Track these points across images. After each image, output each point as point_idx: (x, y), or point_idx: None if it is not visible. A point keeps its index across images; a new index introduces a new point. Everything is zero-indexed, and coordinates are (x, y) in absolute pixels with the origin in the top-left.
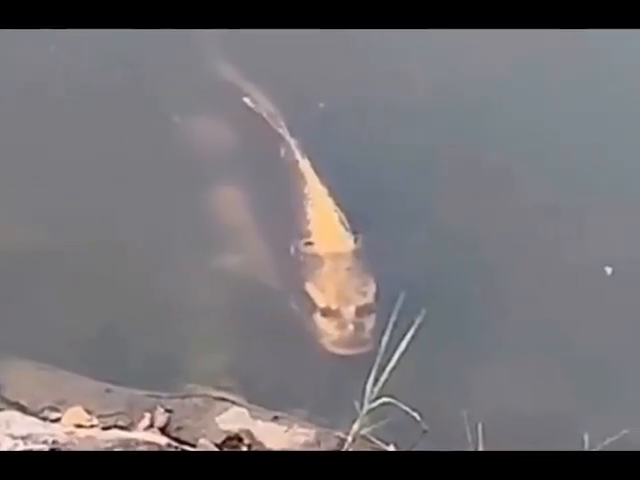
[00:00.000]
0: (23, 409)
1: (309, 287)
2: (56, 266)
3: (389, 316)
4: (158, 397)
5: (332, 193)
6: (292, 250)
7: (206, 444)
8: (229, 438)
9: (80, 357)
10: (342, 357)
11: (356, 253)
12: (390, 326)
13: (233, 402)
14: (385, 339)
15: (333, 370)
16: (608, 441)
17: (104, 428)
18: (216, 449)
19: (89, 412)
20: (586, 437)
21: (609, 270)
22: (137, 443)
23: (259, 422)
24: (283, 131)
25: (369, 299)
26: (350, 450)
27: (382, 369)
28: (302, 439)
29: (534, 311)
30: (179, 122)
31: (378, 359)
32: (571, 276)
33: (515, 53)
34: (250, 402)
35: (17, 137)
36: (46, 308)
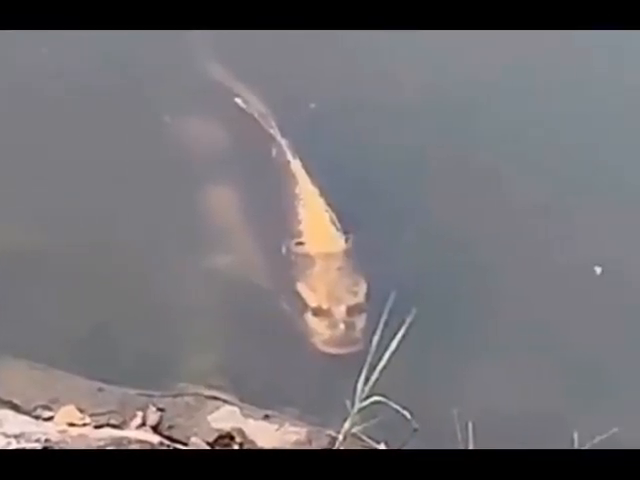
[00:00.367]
0: (16, 408)
1: (300, 287)
2: (48, 266)
3: (380, 315)
4: (150, 396)
5: (323, 193)
6: (283, 250)
7: (198, 442)
8: (221, 437)
9: (73, 356)
10: (333, 356)
11: (347, 253)
12: (381, 325)
13: (225, 401)
14: (376, 338)
15: (324, 369)
16: (597, 440)
17: (96, 427)
18: (208, 447)
19: (81, 411)
20: (575, 436)
21: (598, 270)
22: (129, 441)
23: (251, 421)
24: (274, 131)
25: (360, 299)
26: (341, 448)
27: (373, 368)
28: (293, 438)
29: (524, 310)
30: (170, 122)
31: (369, 358)
32: (560, 276)
33: (503, 54)
34: (242, 401)
35: (6, 138)
36: (39, 308)
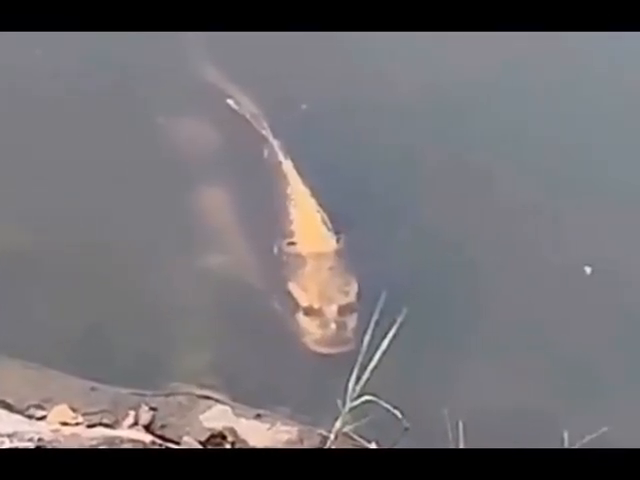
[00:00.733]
0: (9, 407)
1: (292, 286)
2: (41, 266)
3: (371, 315)
4: (142, 395)
5: (315, 194)
6: (275, 250)
7: (190, 442)
8: (213, 436)
9: (66, 356)
10: (324, 356)
11: (338, 253)
12: (372, 325)
13: (217, 400)
14: (367, 338)
15: (316, 368)
16: (587, 439)
17: (89, 426)
18: (200, 446)
19: (74, 410)
20: (566, 435)
21: (588, 270)
22: (122, 441)
23: (242, 420)
24: (266, 132)
25: (351, 298)
26: (332, 448)
27: (364, 368)
28: (285, 437)
29: (515, 310)
30: (163, 123)
31: (360, 358)
32: (552, 276)
33: (500, 55)
34: (234, 400)
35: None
36: (33, 307)
